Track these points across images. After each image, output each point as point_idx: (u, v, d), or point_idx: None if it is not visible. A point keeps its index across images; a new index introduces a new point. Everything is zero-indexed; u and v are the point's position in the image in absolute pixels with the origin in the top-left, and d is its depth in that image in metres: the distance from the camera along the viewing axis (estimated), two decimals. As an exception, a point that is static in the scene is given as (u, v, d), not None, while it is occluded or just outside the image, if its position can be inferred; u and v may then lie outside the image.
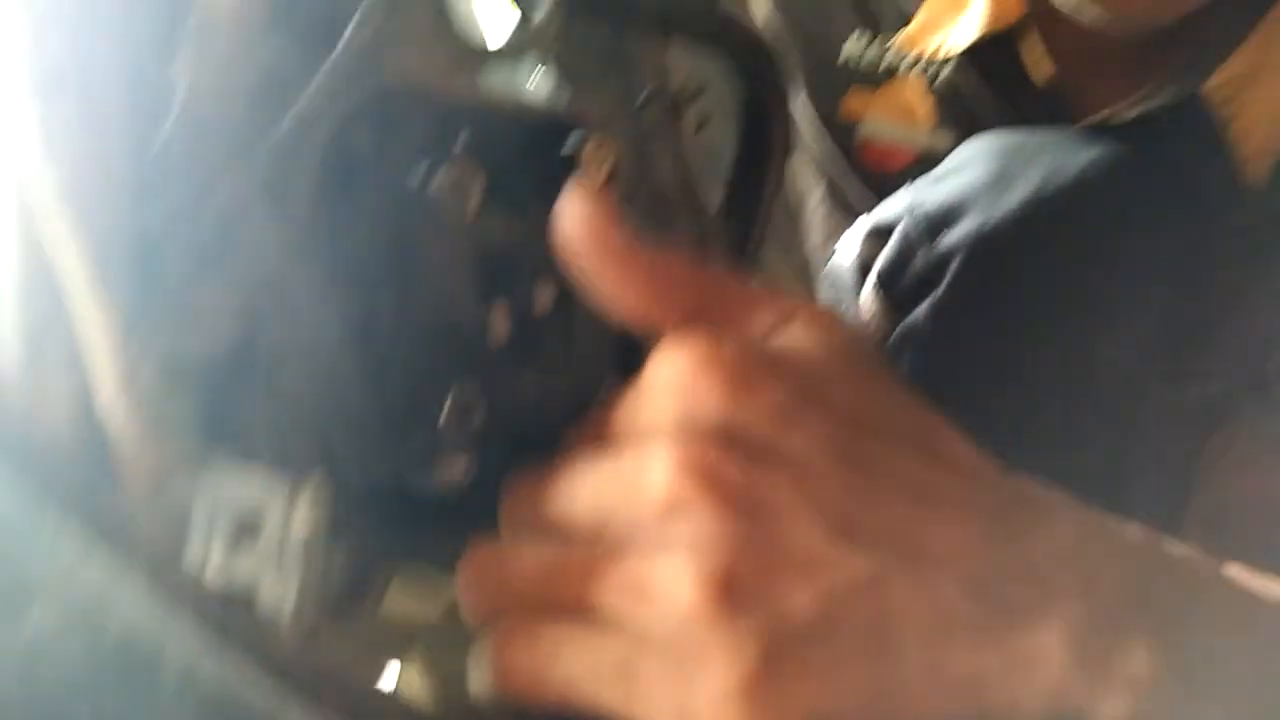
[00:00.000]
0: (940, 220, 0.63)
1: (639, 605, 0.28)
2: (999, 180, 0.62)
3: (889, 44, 0.76)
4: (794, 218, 0.53)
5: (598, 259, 0.31)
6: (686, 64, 0.45)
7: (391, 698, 0.32)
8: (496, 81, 0.40)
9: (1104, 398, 0.66)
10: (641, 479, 0.29)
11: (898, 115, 0.77)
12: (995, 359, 0.64)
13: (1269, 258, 0.69)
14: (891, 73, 0.77)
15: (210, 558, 0.23)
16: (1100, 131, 0.68)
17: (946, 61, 0.74)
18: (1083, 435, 0.67)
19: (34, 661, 0.22)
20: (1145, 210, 0.64)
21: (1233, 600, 0.37)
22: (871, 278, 0.66)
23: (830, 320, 0.32)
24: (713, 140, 0.48)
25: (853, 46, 0.77)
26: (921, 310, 0.63)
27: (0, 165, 0.22)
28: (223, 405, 0.28)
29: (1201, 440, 0.70)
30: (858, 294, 0.67)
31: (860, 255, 0.67)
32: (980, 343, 0.64)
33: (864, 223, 0.68)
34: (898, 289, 0.65)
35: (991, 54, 0.72)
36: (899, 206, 0.66)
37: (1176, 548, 0.35)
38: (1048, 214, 0.61)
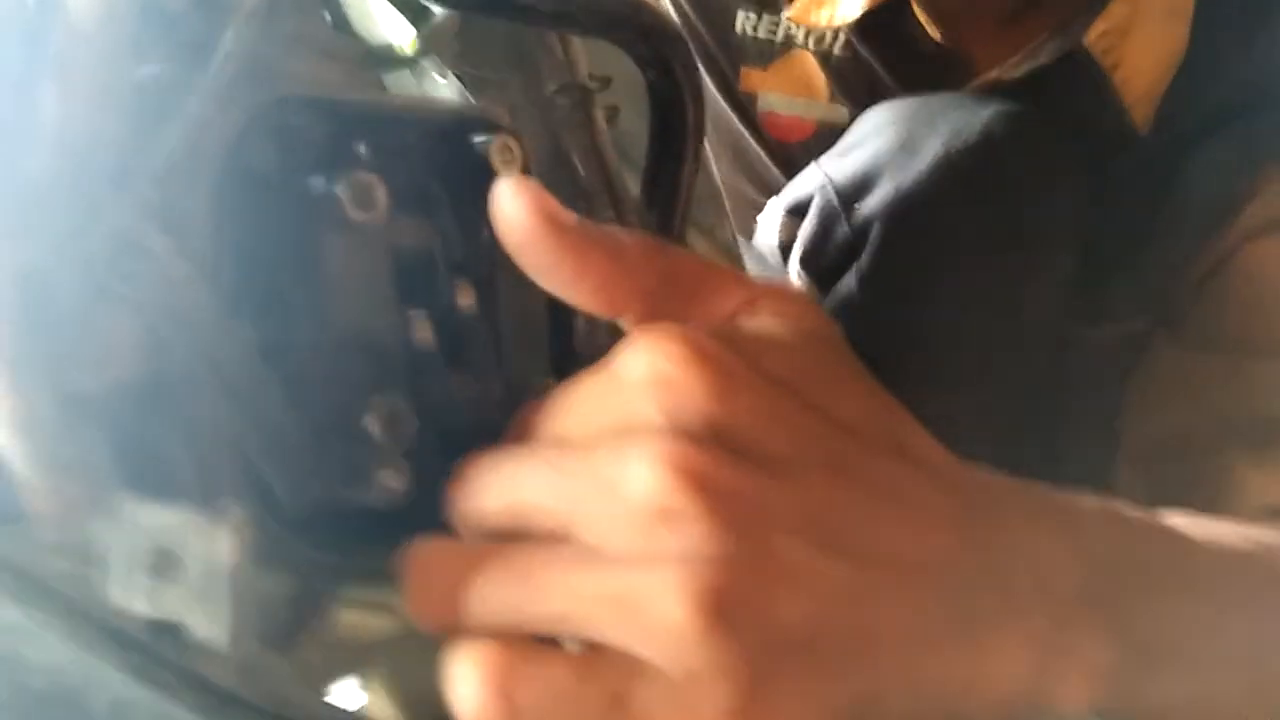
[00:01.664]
0: (853, 191, 0.64)
1: (625, 621, 0.26)
2: (905, 145, 0.64)
3: (779, 19, 0.77)
4: (716, 200, 0.53)
5: (551, 247, 0.30)
6: (592, 55, 0.45)
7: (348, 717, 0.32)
8: (397, 85, 0.39)
9: (1030, 345, 0.68)
10: (623, 480, 0.27)
11: (795, 88, 0.78)
12: (924, 320, 0.65)
13: (1161, 196, 0.71)
14: (788, 45, 0.77)
15: (133, 593, 0.22)
16: (992, 91, 0.70)
17: (837, 36, 0.75)
18: (1015, 385, 0.68)
19: (-47, 713, 0.21)
20: (1048, 161, 0.66)
21: (1179, 562, 0.38)
22: (795, 256, 0.67)
23: (798, 306, 0.31)
24: (629, 129, 0.48)
25: (744, 23, 0.77)
26: (848, 280, 0.64)
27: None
28: (137, 438, 0.27)
29: (1123, 378, 0.72)
30: (784, 273, 0.68)
31: (780, 236, 0.68)
32: (908, 305, 0.65)
33: (777, 204, 0.70)
34: (821, 264, 0.66)
35: (880, 25, 0.73)
36: (810, 184, 0.67)
37: (1124, 515, 0.36)
38: (958, 172, 0.62)
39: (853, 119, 0.74)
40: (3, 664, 0.21)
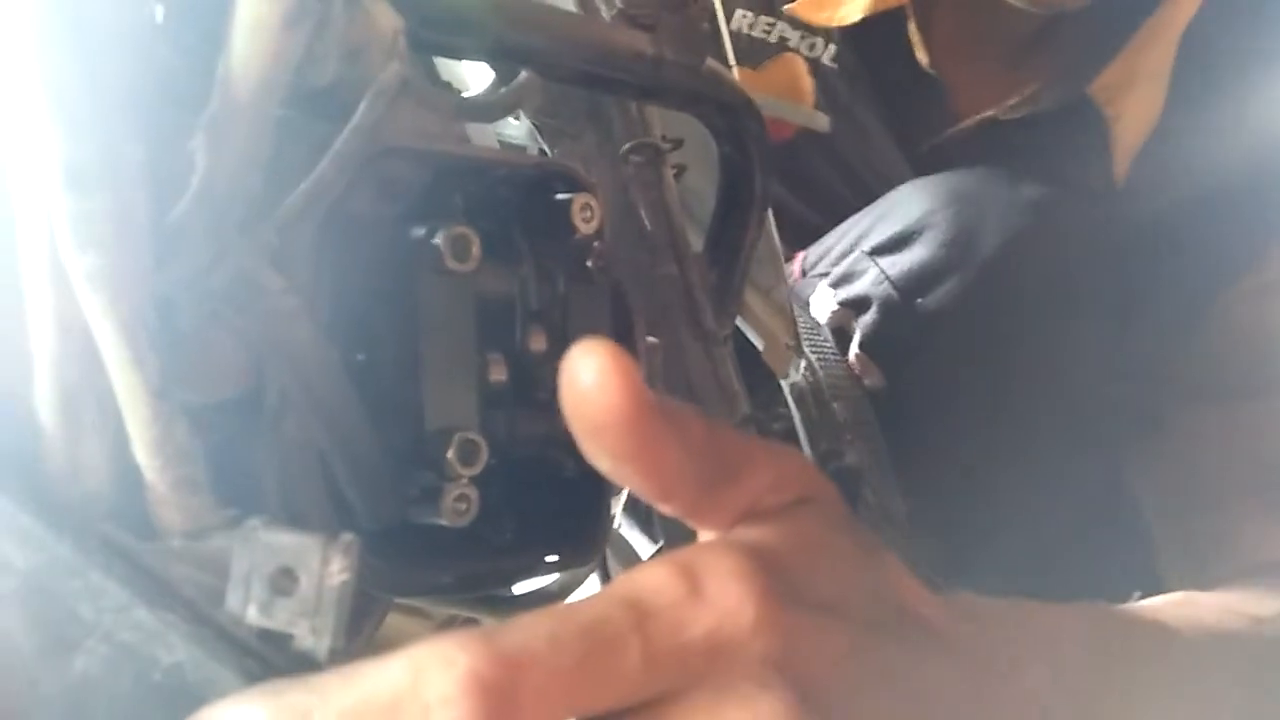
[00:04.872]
0: (915, 286, 0.68)
1: None
2: (960, 237, 0.67)
3: (774, 20, 0.78)
4: (775, 262, 0.55)
5: (635, 436, 0.26)
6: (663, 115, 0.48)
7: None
8: (482, 136, 0.42)
9: (1075, 411, 0.70)
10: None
11: (782, 91, 0.79)
12: (996, 400, 0.68)
13: (1146, 251, 0.73)
14: (780, 48, 0.78)
15: (249, 605, 0.25)
16: (987, 130, 0.73)
17: (830, 43, 0.77)
18: (1061, 449, 0.71)
19: (83, 698, 0.24)
20: (1089, 232, 0.69)
21: (1161, 667, 0.41)
22: (855, 342, 0.70)
23: (811, 484, 0.32)
24: (694, 186, 0.51)
25: (740, 21, 0.79)
26: (915, 367, 0.67)
27: (33, 253, 0.24)
28: (231, 453, 0.30)
29: (1129, 439, 0.75)
30: (838, 349, 0.71)
31: (832, 323, 0.71)
32: (980, 388, 0.68)
33: (828, 290, 0.73)
34: (882, 350, 0.69)
35: (875, 38, 0.75)
36: (866, 281, 0.70)
37: (1106, 626, 0.40)
38: (1021, 258, 0.66)
39: (834, 127, 0.76)
40: (132, 659, 0.23)
